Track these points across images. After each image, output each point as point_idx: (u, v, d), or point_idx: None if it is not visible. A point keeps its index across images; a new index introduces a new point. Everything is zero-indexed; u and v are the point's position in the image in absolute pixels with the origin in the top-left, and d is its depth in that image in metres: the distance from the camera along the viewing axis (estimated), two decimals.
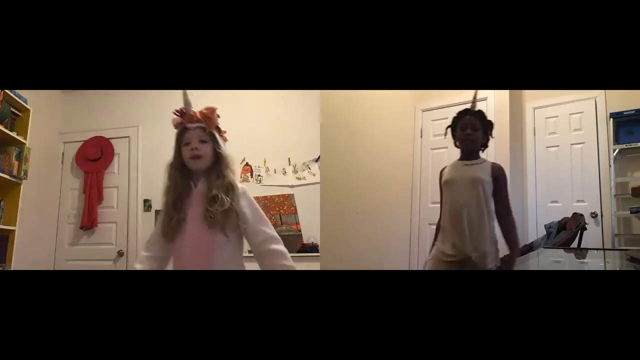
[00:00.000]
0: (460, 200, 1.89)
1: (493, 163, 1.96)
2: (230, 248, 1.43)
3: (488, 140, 2.00)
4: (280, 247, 1.45)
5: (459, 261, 1.86)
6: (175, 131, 1.54)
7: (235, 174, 1.52)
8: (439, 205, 2.05)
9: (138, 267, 1.46)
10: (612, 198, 3.29)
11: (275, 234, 1.48)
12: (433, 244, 2.02)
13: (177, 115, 1.51)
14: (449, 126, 2.02)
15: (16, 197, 3.05)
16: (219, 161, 1.48)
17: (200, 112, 1.51)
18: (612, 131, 3.33)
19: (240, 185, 1.48)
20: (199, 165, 1.46)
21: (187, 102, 1.51)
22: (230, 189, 1.43)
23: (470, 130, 1.93)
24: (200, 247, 1.40)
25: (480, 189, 1.87)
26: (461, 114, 1.99)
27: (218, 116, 1.53)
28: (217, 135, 1.51)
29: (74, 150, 4.14)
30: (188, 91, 1.51)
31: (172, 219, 1.41)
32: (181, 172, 1.47)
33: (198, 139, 1.47)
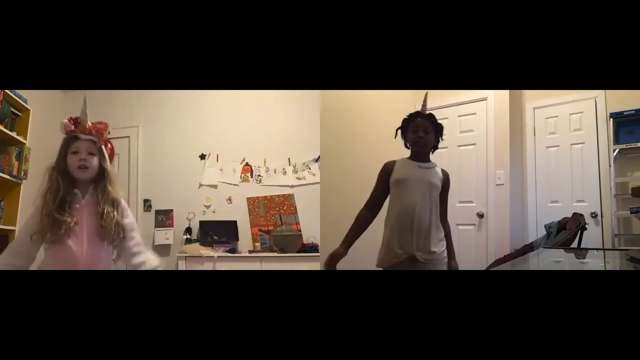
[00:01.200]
0: (412, 201, 1.91)
1: (442, 169, 2.02)
2: (110, 257, 1.56)
3: (438, 142, 2.04)
4: (145, 249, 1.60)
5: (405, 260, 1.89)
6: None
7: (121, 190, 1.60)
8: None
9: None
10: (612, 198, 3.29)
11: (140, 239, 1.60)
12: (350, 234, 2.04)
13: (70, 122, 1.55)
14: (399, 128, 2.06)
15: (16, 197, 3.05)
16: (104, 175, 1.55)
17: (94, 125, 1.56)
18: (612, 131, 3.33)
19: (122, 201, 1.57)
20: (84, 175, 1.51)
21: (84, 112, 1.56)
22: (116, 203, 1.53)
23: (422, 133, 1.96)
24: (95, 256, 1.48)
25: (433, 192, 1.93)
26: (412, 116, 2.04)
27: (109, 132, 1.61)
28: (104, 150, 1.59)
29: None
30: (87, 100, 1.58)
31: (60, 223, 1.41)
32: (64, 178, 1.50)
33: (87, 150, 1.52)
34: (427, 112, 2.04)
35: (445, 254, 1.94)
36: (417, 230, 1.88)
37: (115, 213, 1.51)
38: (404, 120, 2.05)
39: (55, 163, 1.54)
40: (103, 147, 1.59)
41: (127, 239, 1.54)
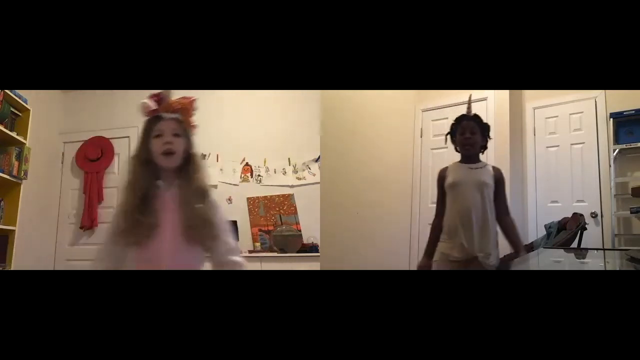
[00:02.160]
0: (468, 203, 1.95)
1: (494, 167, 2.05)
2: (202, 257, 1.34)
3: (486, 142, 2.07)
4: (239, 259, 1.37)
5: (466, 261, 1.92)
6: None
7: (207, 175, 1.36)
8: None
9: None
10: (612, 198, 3.28)
11: (235, 244, 1.39)
12: (429, 245, 2.07)
13: (152, 99, 1.30)
14: (448, 133, 2.09)
15: (16, 197, 3.05)
16: (189, 161, 1.32)
17: (179, 100, 1.32)
18: (612, 131, 3.33)
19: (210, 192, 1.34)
20: (170, 162, 1.28)
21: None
22: (204, 195, 1.30)
23: (469, 134, 1.99)
24: (181, 259, 1.27)
25: (486, 192, 1.95)
26: (459, 120, 2.07)
27: (195, 110, 1.35)
28: (189, 131, 1.34)
29: (74, 150, 4.14)
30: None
31: (140, 223, 1.23)
32: (146, 168, 1.29)
33: (172, 131, 1.28)
34: (472, 113, 2.08)
35: (497, 254, 1.97)
36: (477, 231, 1.91)
37: (203, 207, 1.27)
38: (452, 125, 2.09)
39: (136, 151, 1.32)
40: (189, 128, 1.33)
41: (217, 239, 1.31)
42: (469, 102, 2.09)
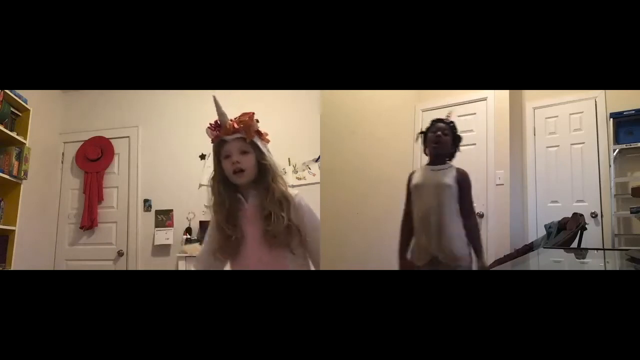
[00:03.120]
0: (427, 204, 1.99)
1: (458, 168, 2.08)
2: (297, 264, 1.37)
3: (455, 151, 2.11)
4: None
5: (428, 262, 1.96)
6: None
7: (286, 183, 1.41)
8: None
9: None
10: (612, 198, 3.28)
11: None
12: (400, 245, 2.12)
13: (212, 129, 1.39)
14: (421, 132, 2.13)
15: (16, 197, 3.05)
16: (264, 172, 1.37)
17: (238, 119, 1.37)
18: (612, 131, 3.33)
19: (294, 193, 1.39)
20: (242, 179, 1.35)
21: (220, 112, 1.39)
22: (285, 202, 1.34)
23: (440, 133, 2.04)
24: (267, 266, 1.33)
25: (446, 193, 1.97)
26: (434, 122, 2.11)
27: (257, 121, 1.40)
28: (259, 143, 1.39)
29: (74, 150, 4.14)
30: (217, 97, 1.38)
31: (229, 238, 1.33)
32: (226, 185, 1.37)
33: (239, 150, 1.35)
34: (450, 120, 2.12)
35: (469, 255, 1.96)
36: (434, 232, 1.93)
37: (283, 214, 1.31)
38: (427, 128, 2.13)
39: (213, 173, 1.41)
40: (257, 139, 1.38)
41: (305, 243, 1.35)
42: (449, 113, 2.16)
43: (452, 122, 2.10)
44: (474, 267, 1.95)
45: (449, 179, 2.00)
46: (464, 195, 2.01)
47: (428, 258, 1.95)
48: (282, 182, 1.38)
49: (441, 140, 2.03)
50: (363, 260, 3.38)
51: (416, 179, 2.08)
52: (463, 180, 2.02)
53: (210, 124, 1.40)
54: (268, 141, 1.46)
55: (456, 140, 2.09)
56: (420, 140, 2.15)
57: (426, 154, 2.14)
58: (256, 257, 1.34)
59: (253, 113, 1.39)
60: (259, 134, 1.42)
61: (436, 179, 2.00)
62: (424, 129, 2.15)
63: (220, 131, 1.37)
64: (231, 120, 1.38)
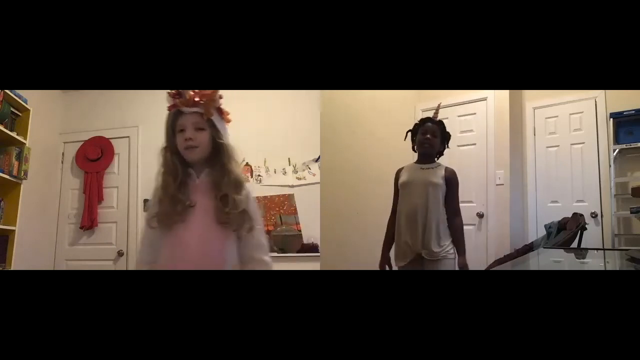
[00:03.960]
0: (414, 202, 2.00)
1: (446, 167, 2.08)
2: (235, 248, 1.32)
3: (444, 149, 2.14)
4: (268, 258, 1.38)
5: (413, 259, 1.98)
6: None
7: (240, 166, 1.36)
8: None
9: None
10: (612, 198, 3.29)
11: (265, 242, 1.40)
12: (385, 242, 2.14)
13: (171, 96, 1.32)
14: (409, 130, 2.16)
15: (16, 197, 3.05)
16: (220, 152, 1.32)
17: (199, 93, 1.30)
18: (612, 131, 3.33)
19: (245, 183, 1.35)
20: (194, 156, 1.30)
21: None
22: (240, 186, 1.31)
23: (430, 136, 2.06)
24: (211, 243, 1.27)
25: (434, 192, 1.99)
26: (423, 121, 2.13)
27: (220, 97, 1.33)
28: (217, 121, 1.33)
29: (74, 150, 4.14)
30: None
31: (175, 205, 1.25)
32: (179, 157, 1.31)
33: (194, 126, 1.29)
34: (438, 119, 2.14)
35: (453, 252, 1.98)
36: (420, 229, 1.95)
37: (241, 197, 1.27)
38: (415, 125, 2.16)
39: (165, 143, 1.34)
40: (217, 117, 1.33)
41: (252, 230, 1.31)
42: (437, 109, 2.17)
43: (440, 121, 2.12)
44: (456, 266, 1.98)
45: (438, 177, 2.01)
46: (451, 193, 2.03)
47: (411, 256, 1.97)
48: (236, 165, 1.34)
49: (430, 142, 2.06)
50: (363, 260, 3.38)
51: (404, 177, 2.10)
52: (451, 179, 2.04)
53: (171, 91, 1.32)
54: (229, 121, 1.39)
55: (444, 138, 2.12)
56: (409, 138, 2.18)
57: (414, 151, 2.16)
58: (203, 229, 1.26)
59: (216, 91, 1.32)
60: (220, 111, 1.36)
61: (424, 177, 2.02)
62: (412, 127, 2.18)
63: (178, 101, 1.30)
64: (193, 92, 1.30)
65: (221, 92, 1.36)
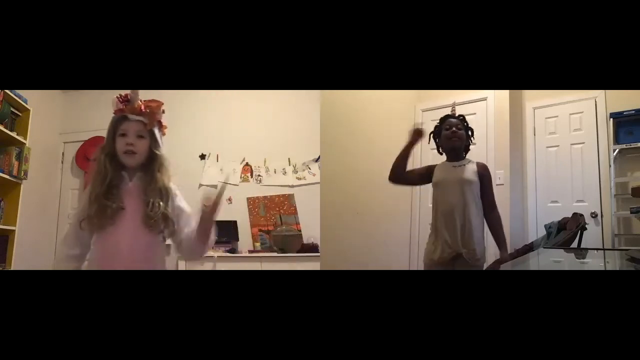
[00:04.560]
0: (450, 201, 1.98)
1: (478, 162, 2.07)
2: (161, 249, 1.43)
3: (469, 143, 2.12)
4: (200, 250, 1.45)
5: (451, 258, 1.96)
6: None
7: (170, 176, 1.45)
8: None
9: (63, 266, 1.38)
10: (612, 198, 3.28)
11: (196, 239, 1.45)
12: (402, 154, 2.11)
13: (119, 100, 1.40)
14: (432, 132, 2.13)
15: (16, 197, 3.05)
16: (153, 161, 1.41)
17: (146, 103, 1.40)
18: (612, 131, 3.33)
19: (172, 187, 1.44)
20: (131, 161, 1.38)
21: (135, 91, 1.41)
22: (165, 194, 1.39)
23: (455, 129, 2.04)
24: (139, 245, 1.35)
25: (468, 189, 1.97)
26: (443, 119, 2.11)
27: (163, 111, 1.43)
28: (156, 132, 1.43)
29: (74, 150, 4.14)
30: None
31: (106, 208, 1.32)
32: (113, 161, 1.38)
33: (136, 133, 1.38)
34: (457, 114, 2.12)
35: (484, 253, 1.98)
36: (460, 228, 1.94)
37: (161, 203, 1.36)
38: (436, 127, 2.13)
39: (104, 145, 1.41)
40: (156, 129, 1.43)
41: (179, 231, 1.40)
42: (453, 107, 2.14)
43: (461, 115, 2.10)
44: (495, 261, 1.97)
45: (471, 174, 2.00)
46: (485, 188, 2.02)
47: (452, 254, 1.95)
48: (166, 175, 1.43)
49: (458, 135, 2.03)
50: (363, 260, 3.38)
51: (437, 177, 2.07)
52: (484, 174, 2.03)
53: (120, 96, 1.41)
54: (164, 134, 1.49)
55: (468, 132, 2.10)
56: (431, 141, 2.14)
57: (440, 153, 2.13)
58: (131, 231, 1.34)
59: (162, 103, 1.43)
60: (160, 124, 1.46)
61: (458, 175, 2.00)
62: (432, 130, 2.14)
63: (126, 107, 1.39)
64: (140, 101, 1.40)
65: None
